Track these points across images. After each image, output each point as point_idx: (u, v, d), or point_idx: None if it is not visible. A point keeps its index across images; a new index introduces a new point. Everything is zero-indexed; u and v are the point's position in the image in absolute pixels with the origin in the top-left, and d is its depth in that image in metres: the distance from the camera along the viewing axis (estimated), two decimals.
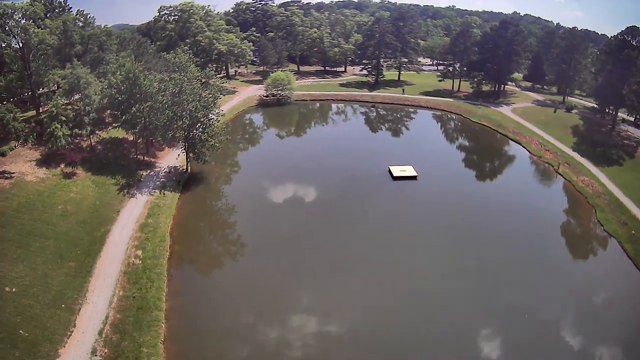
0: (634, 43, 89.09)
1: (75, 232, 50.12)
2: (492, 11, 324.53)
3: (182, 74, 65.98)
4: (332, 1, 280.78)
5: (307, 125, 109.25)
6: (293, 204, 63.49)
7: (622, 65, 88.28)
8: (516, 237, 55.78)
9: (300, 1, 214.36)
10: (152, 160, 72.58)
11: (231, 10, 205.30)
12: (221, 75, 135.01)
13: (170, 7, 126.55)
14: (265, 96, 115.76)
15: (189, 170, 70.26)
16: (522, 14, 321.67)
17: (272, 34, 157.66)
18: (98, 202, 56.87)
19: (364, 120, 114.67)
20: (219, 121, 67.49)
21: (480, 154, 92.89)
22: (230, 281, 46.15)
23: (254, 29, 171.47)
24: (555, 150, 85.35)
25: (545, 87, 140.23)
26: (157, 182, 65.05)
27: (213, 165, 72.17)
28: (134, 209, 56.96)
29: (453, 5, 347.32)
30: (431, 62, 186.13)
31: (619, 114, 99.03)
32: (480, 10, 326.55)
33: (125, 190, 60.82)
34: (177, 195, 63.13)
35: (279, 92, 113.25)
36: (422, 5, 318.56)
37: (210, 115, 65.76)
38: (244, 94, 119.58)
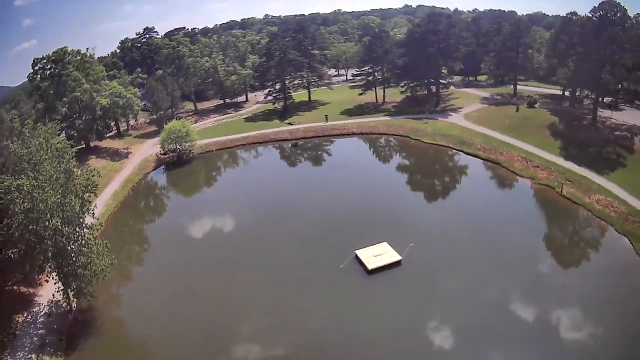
0: (614, 19, 76.11)
1: None
2: (380, 8, 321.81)
3: (32, 175, 43.93)
4: (215, 25, 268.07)
5: (217, 190, 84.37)
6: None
7: (600, 46, 76.19)
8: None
9: (184, 28, 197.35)
10: (31, 291, 51.68)
11: (117, 51, 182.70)
12: (111, 133, 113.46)
13: (44, 58, 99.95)
14: (163, 154, 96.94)
15: (73, 310, 48.94)
16: (414, 5, 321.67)
17: (160, 71, 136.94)
18: None
19: (290, 171, 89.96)
20: (94, 237, 45.91)
21: (460, 193, 70.86)
22: None
23: (139, 70, 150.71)
24: (546, 165, 70.08)
25: (477, 79, 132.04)
26: (35, 337, 44.49)
27: (107, 287, 51.05)
28: None
29: (339, 10, 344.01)
30: (336, 73, 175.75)
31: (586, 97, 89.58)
32: (369, 9, 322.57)
33: None
34: None
35: (178, 147, 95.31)
36: (307, 15, 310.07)
37: (83, 228, 45.38)
38: (138, 155, 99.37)
